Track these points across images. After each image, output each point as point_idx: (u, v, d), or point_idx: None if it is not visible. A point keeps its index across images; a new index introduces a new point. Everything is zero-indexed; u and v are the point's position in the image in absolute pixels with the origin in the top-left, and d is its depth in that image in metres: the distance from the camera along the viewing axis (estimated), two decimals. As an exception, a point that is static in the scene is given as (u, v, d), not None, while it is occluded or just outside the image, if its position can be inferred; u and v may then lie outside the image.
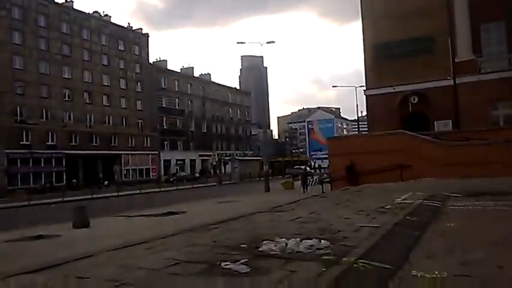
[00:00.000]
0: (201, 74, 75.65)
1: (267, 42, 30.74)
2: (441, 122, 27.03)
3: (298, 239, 5.62)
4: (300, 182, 27.46)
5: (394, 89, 27.87)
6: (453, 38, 26.44)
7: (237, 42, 30.23)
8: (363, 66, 30.16)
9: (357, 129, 74.24)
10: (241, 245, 5.63)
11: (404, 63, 27.57)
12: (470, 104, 24.85)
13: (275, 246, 5.40)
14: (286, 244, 5.45)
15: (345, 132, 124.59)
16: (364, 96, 30.01)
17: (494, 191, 11.50)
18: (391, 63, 27.95)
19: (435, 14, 26.85)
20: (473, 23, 25.92)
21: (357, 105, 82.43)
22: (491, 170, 17.37)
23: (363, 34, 30.05)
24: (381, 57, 28.48)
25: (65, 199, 26.81)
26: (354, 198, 11.33)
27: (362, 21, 29.96)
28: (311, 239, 5.60)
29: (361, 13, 29.87)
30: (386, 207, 8.91)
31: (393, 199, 10.50)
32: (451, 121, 26.80)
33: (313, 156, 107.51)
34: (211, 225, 7.41)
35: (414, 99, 27.68)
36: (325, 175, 28.68)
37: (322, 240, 5.54)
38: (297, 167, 58.73)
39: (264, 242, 5.62)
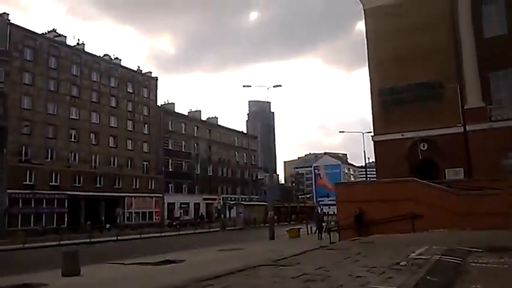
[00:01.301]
0: (208, 118, 75.99)
1: (274, 86, 30.87)
2: (452, 170, 26.17)
3: (304, 304, 4.83)
4: (312, 228, 26.50)
5: (402, 135, 27.29)
6: (462, 84, 26.10)
7: (243, 86, 30.18)
8: (370, 112, 29.79)
9: (364, 176, 73.21)
10: (237, 310, 4.85)
11: (413, 108, 27.12)
12: (482, 152, 24.11)
13: (276, 312, 4.62)
14: (290, 310, 4.66)
15: (352, 179, 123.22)
16: (372, 142, 29.41)
17: (517, 246, 10.59)
18: (399, 109, 27.51)
19: (443, 60, 26.69)
20: (482, 70, 25.69)
21: (364, 151, 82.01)
22: (507, 221, 16.44)
23: (370, 79, 29.84)
24: (388, 103, 28.10)
25: (62, 242, 25.87)
26: (365, 251, 10.45)
27: (369, 66, 29.82)
28: (318, 305, 4.81)
29: (368, 58, 29.80)
30: (402, 263, 8.05)
31: (408, 253, 9.61)
32: (462, 169, 25.97)
33: (320, 203, 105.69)
34: (206, 281, 6.61)
35: (424, 146, 26.99)
36: (332, 223, 27.65)
37: (331, 307, 4.76)
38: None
39: (263, 306, 4.83)
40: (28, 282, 10.94)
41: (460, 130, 25.76)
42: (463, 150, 25.49)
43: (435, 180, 22.07)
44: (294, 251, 11.74)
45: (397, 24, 27.95)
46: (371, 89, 29.67)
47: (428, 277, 6.69)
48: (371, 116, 29.75)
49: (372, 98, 29.62)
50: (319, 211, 49.32)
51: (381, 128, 28.23)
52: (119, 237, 30.74)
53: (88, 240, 27.87)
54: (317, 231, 23.72)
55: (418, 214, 18.50)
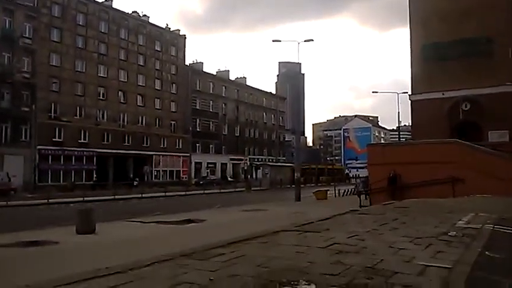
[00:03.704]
0: (237, 78, 74.38)
1: (305, 41, 28.97)
2: (496, 132, 24.31)
3: None
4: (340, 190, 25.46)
5: (443, 94, 25.41)
6: (514, 40, 23.75)
7: (273, 40, 28.54)
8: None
9: (396, 139, 70.77)
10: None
11: (456, 66, 25.08)
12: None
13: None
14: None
15: (383, 142, 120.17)
16: (409, 101, 27.61)
17: None
18: (441, 67, 25.50)
19: (494, 14, 24.23)
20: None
21: (399, 112, 78.77)
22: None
23: (411, 36, 27.76)
24: (430, 60, 26.06)
25: (86, 199, 25.74)
26: (402, 218, 9.23)
27: (410, 20, 27.67)
28: None
29: (409, 12, 27.57)
30: (450, 233, 6.82)
31: (454, 221, 8.34)
32: (508, 131, 24.07)
33: (348, 165, 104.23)
34: (217, 249, 5.58)
35: (466, 106, 25.13)
36: (362, 185, 26.46)
37: (370, 291, 3.63)
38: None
39: None
40: (39, 240, 10.37)
41: (509, 90, 23.66)
42: (510, 111, 23.49)
43: (477, 142, 20.39)
44: (322, 214, 10.65)
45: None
46: (411, 46, 27.66)
47: (487, 252, 5.45)
48: (409, 75, 27.90)
49: (411, 56, 27.66)
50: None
51: (420, 87, 26.37)
52: (143, 195, 30.55)
53: (112, 197, 27.71)
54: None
55: (459, 178, 17.03)
